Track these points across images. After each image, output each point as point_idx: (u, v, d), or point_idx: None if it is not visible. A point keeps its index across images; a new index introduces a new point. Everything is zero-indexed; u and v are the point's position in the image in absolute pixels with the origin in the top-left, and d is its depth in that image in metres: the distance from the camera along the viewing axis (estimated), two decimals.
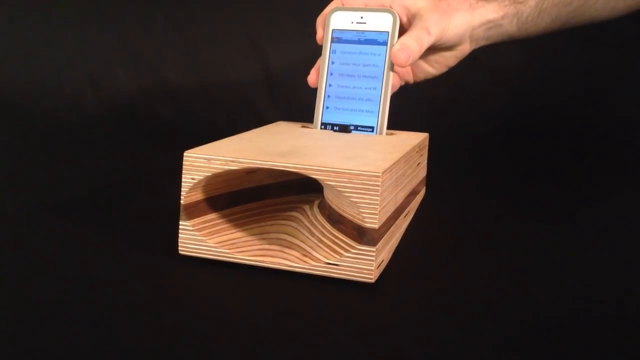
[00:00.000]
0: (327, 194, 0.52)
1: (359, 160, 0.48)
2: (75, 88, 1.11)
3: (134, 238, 0.55)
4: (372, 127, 0.63)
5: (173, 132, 0.99)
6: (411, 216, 0.60)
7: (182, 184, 0.49)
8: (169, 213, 0.56)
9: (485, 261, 0.52)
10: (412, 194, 0.60)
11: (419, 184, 0.64)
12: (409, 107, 0.79)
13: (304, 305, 0.44)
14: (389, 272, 0.48)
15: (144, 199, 0.68)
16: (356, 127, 0.63)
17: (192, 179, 0.49)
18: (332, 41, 0.65)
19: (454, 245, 0.55)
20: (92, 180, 0.74)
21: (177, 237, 0.50)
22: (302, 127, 0.66)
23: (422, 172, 0.66)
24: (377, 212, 0.45)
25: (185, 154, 0.49)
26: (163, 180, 0.75)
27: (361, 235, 0.46)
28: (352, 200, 0.45)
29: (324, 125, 0.64)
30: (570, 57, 0.99)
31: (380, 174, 0.45)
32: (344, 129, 0.63)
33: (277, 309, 0.43)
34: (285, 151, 0.51)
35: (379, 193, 0.45)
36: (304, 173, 0.46)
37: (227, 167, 0.48)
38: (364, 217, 0.45)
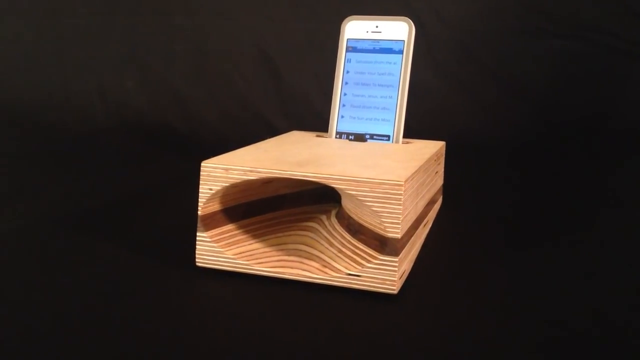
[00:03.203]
0: (346, 204, 0.51)
1: (379, 169, 0.48)
2: (84, 99, 1.11)
3: (150, 251, 0.54)
4: (388, 136, 0.62)
5: (183, 143, 0.98)
6: (430, 225, 0.59)
7: (200, 194, 0.49)
8: (184, 224, 0.55)
9: (507, 270, 0.51)
10: (431, 202, 0.59)
11: (436, 193, 0.63)
12: (420, 115, 0.78)
13: (325, 318, 0.43)
14: (411, 283, 0.47)
15: (157, 210, 0.67)
16: (372, 136, 0.63)
17: (210, 189, 0.48)
18: (347, 50, 0.65)
19: (474, 255, 0.54)
20: (103, 192, 0.74)
21: (194, 248, 0.50)
22: (317, 136, 0.65)
23: (440, 181, 0.65)
24: (400, 221, 0.44)
25: (202, 164, 0.49)
26: (175, 191, 0.74)
27: (383, 245, 0.45)
28: (373, 210, 0.45)
29: (339, 135, 0.64)
30: (588, 67, 0.98)
31: (402, 183, 0.44)
32: (360, 138, 0.63)
33: (297, 322, 0.42)
34: (303, 161, 0.50)
35: (401, 202, 0.44)
36: (324, 182, 0.46)
37: (245, 177, 0.48)
38: (385, 227, 0.45)
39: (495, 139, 0.96)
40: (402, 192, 0.44)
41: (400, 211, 0.44)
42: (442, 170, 0.66)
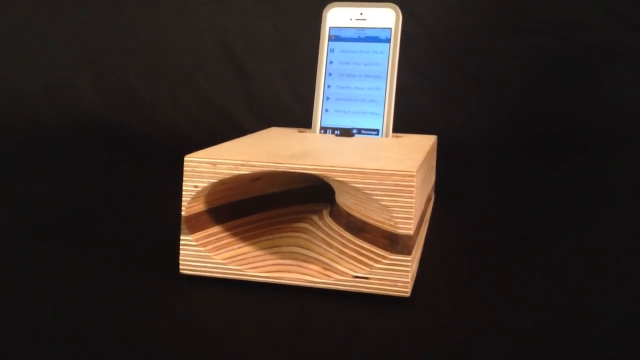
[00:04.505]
0: (344, 200, 0.46)
1: (385, 160, 0.43)
2: (32, 101, 1.02)
3: (121, 261, 0.48)
4: (377, 130, 0.58)
5: (145, 146, 0.91)
6: (427, 223, 0.56)
7: (184, 192, 0.43)
8: (159, 230, 0.50)
9: (516, 267, 0.48)
10: (428, 199, 0.56)
11: (431, 189, 0.60)
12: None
13: (333, 326, 0.38)
14: (420, 285, 0.43)
15: (125, 217, 0.61)
16: (359, 131, 0.58)
17: (195, 186, 0.43)
18: (329, 39, 0.61)
19: (479, 254, 0.51)
20: (59, 200, 0.66)
21: (175, 255, 0.44)
22: (299, 132, 0.60)
23: (434, 177, 0.62)
24: (412, 216, 0.40)
25: (186, 158, 0.43)
26: (142, 196, 0.68)
27: (393, 243, 0.41)
28: (382, 204, 0.40)
29: (324, 130, 0.60)
30: (565, 65, 0.97)
31: (414, 173, 0.40)
32: (346, 132, 0.59)
33: (302, 331, 0.37)
34: (298, 153, 0.45)
35: (413, 194, 0.40)
36: (325, 175, 0.41)
37: (235, 173, 0.43)
38: (396, 223, 0.40)
39: (470, 137, 0.94)
40: (414, 184, 0.40)
41: (413, 205, 0.40)
42: (435, 165, 0.63)
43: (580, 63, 0.95)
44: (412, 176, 0.40)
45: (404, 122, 0.64)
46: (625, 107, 0.92)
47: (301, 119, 0.85)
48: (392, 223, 0.41)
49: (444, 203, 0.64)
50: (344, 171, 0.41)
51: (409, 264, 0.40)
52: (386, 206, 0.40)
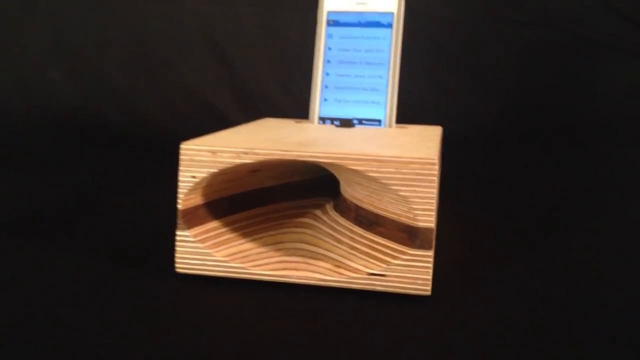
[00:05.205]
0: (354, 192, 0.43)
1: (400, 148, 0.40)
2: (1, 93, 0.96)
3: (109, 259, 0.44)
4: (380, 120, 0.55)
5: (124, 140, 0.86)
6: None
7: (180, 184, 0.39)
8: (148, 226, 0.46)
9: (531, 261, 0.45)
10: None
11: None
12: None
13: (347, 328, 0.35)
14: (439, 283, 0.40)
15: (110, 214, 0.56)
16: (360, 121, 0.55)
17: (193, 177, 0.39)
18: (327, 24, 0.57)
19: (490, 249, 0.48)
20: (36, 197, 0.61)
21: (170, 252, 0.40)
22: (296, 122, 0.57)
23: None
24: (433, 207, 0.37)
25: (182, 146, 0.39)
26: (123, 192, 0.63)
27: (412, 237, 0.38)
28: (400, 195, 0.37)
29: (322, 120, 0.56)
30: (558, 57, 0.96)
31: (436, 161, 0.37)
32: (346, 123, 0.55)
33: (314, 334, 0.34)
34: (304, 142, 0.42)
35: (434, 184, 0.37)
36: (338, 164, 0.38)
37: (238, 161, 0.39)
38: (416, 215, 0.37)
39: (462, 129, 0.91)
40: (436, 172, 0.37)
41: (434, 195, 0.37)
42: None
43: (575, 55, 0.94)
44: (434, 164, 0.37)
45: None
46: (620, 100, 0.91)
47: (288, 110, 0.81)
48: (410, 215, 0.37)
49: (441, 196, 0.61)
50: (358, 159, 0.37)
51: (430, 259, 0.37)
52: (404, 197, 0.37)
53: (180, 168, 0.39)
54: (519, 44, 0.95)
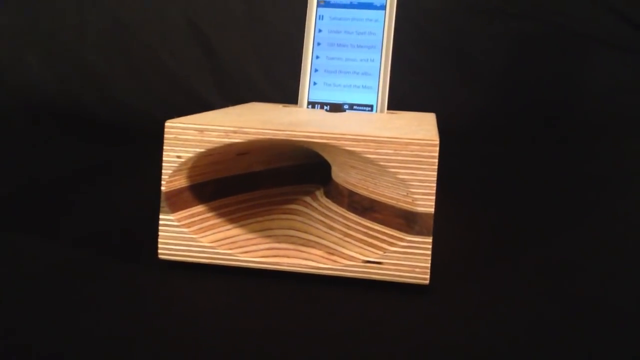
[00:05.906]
0: (347, 177, 0.41)
1: (398, 130, 0.38)
2: None
3: (90, 245, 0.41)
4: (371, 106, 0.53)
5: (101, 125, 0.83)
6: None
7: (164, 164, 0.37)
8: (128, 212, 0.43)
9: (527, 252, 0.43)
10: None
11: None
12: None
13: (342, 318, 0.33)
14: (437, 272, 0.38)
15: (83, 200, 0.53)
16: (351, 106, 0.53)
17: (178, 156, 0.37)
18: (318, 5, 0.55)
19: (487, 238, 0.47)
20: (10, 183, 0.58)
21: (151, 237, 0.38)
22: (284, 107, 0.55)
23: None
24: (433, 191, 0.35)
25: (167, 123, 0.37)
26: (100, 177, 0.61)
27: (410, 222, 0.36)
28: (398, 178, 0.35)
29: (312, 105, 0.54)
30: (546, 49, 0.95)
31: (437, 142, 0.35)
32: (337, 108, 0.53)
33: (307, 324, 0.32)
34: (296, 122, 0.39)
35: (435, 167, 0.35)
36: (334, 144, 0.36)
37: (226, 141, 0.36)
38: (414, 199, 0.35)
39: (451, 121, 0.90)
40: (437, 154, 0.35)
41: (434, 178, 0.35)
42: None
43: (563, 48, 0.93)
44: (435, 145, 0.35)
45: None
46: (607, 94, 0.90)
47: (273, 97, 0.79)
48: (409, 200, 0.35)
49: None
50: (355, 139, 0.35)
51: (429, 246, 0.35)
52: (403, 180, 0.35)
53: (165, 147, 0.37)
54: (508, 37, 0.94)
